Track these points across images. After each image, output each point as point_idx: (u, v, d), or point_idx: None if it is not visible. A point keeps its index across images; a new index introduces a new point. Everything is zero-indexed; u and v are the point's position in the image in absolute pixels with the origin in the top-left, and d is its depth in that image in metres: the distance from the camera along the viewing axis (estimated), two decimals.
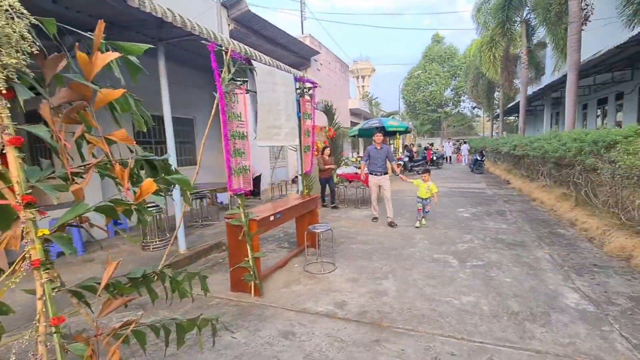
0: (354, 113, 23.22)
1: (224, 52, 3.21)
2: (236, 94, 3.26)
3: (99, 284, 1.44)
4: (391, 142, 20.09)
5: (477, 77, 23.97)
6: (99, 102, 1.33)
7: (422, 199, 5.95)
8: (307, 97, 4.79)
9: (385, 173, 6.15)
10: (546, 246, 4.60)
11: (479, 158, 15.05)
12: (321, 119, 12.84)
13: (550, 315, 2.81)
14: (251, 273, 3.33)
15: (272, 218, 3.63)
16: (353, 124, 20.86)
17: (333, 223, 6.48)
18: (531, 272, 3.76)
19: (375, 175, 6.18)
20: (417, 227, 5.80)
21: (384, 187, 6.13)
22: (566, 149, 5.87)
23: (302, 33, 15.19)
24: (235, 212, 3.31)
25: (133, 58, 1.45)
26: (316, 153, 9.10)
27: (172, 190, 1.92)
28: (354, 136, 11.48)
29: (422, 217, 5.98)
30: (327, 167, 7.82)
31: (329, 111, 9.56)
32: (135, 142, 1.51)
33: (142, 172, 1.58)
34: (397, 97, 31.37)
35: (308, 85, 4.93)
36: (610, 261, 3.95)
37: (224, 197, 7.61)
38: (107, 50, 1.32)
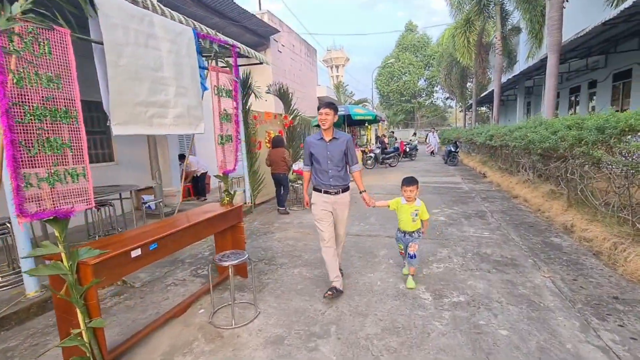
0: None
1: None
2: (45, 39, 1.80)
3: None
4: (363, 133, 18.88)
5: (451, 66, 23.33)
6: None
7: (405, 232, 3.15)
8: (220, 66, 3.38)
9: (346, 189, 3.03)
10: (544, 265, 3.52)
11: (452, 149, 14.19)
12: (278, 106, 11.38)
13: None
14: (87, 355, 1.94)
15: (135, 253, 2.20)
16: None
17: (279, 233, 5.15)
18: (534, 313, 2.62)
19: (325, 193, 2.97)
20: (404, 274, 3.34)
21: (338, 216, 3.05)
22: (558, 138, 4.84)
23: (260, 9, 13.51)
24: (50, 251, 1.87)
25: None
26: (267, 145, 7.70)
27: None
28: (317, 126, 10.11)
29: (409, 266, 3.19)
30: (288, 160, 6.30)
31: (284, 95, 8.12)
32: None
33: None
34: (371, 87, 30.30)
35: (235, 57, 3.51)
36: (633, 291, 2.90)
37: (151, 201, 6.03)
38: None
